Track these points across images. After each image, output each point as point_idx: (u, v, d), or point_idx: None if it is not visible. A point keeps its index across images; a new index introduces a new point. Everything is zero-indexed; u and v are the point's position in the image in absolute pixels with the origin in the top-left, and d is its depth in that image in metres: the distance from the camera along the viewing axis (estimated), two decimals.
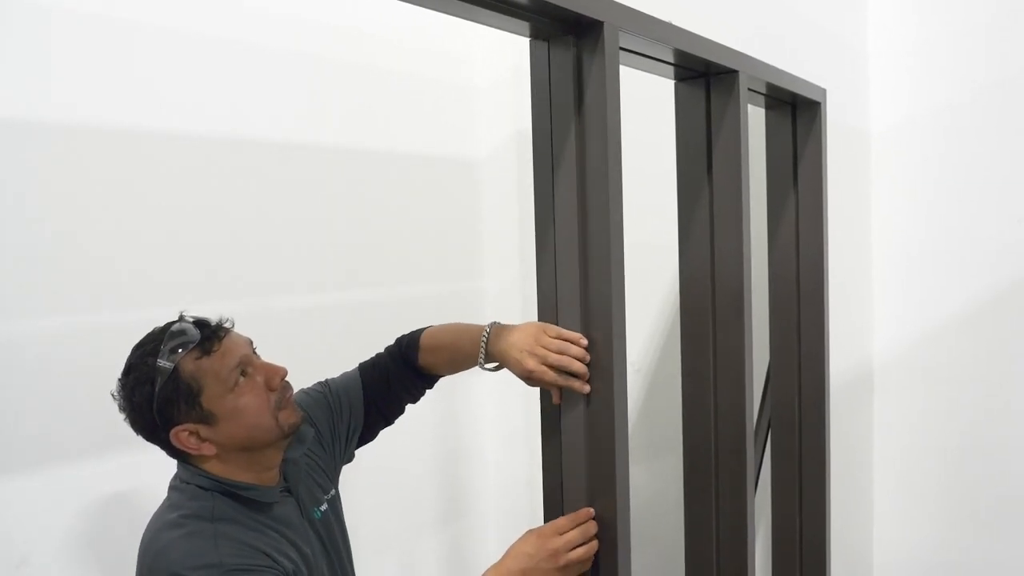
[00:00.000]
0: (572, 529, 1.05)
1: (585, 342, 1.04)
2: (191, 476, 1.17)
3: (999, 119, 1.91)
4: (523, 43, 1.07)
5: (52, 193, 1.55)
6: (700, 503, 1.37)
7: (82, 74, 1.58)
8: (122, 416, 1.14)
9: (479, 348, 1.22)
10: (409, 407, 1.46)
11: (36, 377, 1.52)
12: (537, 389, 1.14)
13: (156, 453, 1.64)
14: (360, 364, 1.43)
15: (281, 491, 1.23)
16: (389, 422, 1.46)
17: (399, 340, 1.42)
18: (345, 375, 1.43)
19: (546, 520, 1.09)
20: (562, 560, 1.04)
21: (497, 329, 1.21)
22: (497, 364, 1.21)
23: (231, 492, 1.15)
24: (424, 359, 1.37)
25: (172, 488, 1.19)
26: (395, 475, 2.18)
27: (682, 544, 1.39)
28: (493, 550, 2.66)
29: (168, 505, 1.17)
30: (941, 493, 2.04)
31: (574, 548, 1.04)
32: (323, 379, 1.43)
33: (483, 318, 1.27)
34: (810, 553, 1.68)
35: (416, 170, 2.28)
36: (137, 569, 1.13)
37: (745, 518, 1.34)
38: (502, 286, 2.47)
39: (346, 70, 2.07)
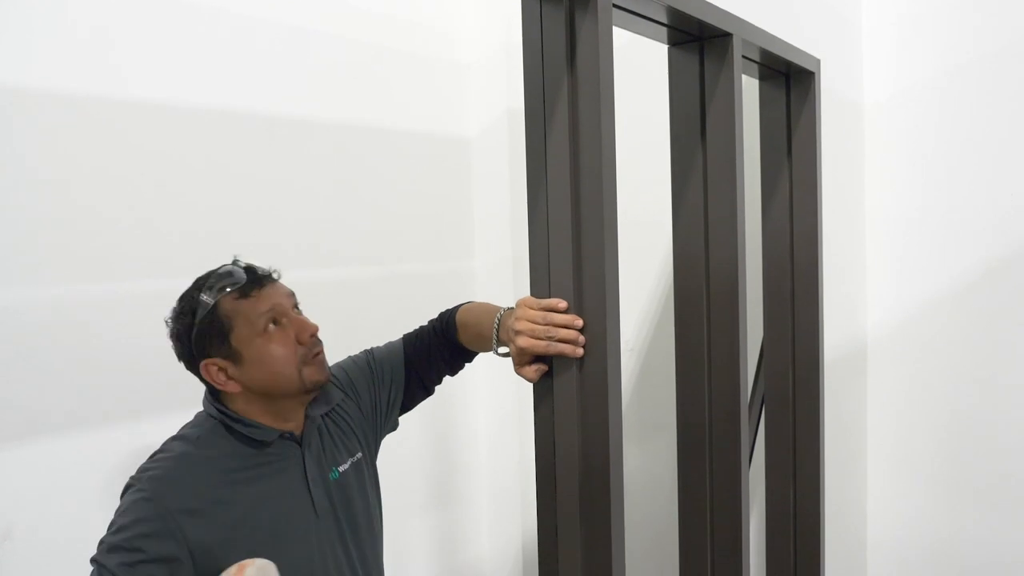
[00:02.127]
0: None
1: (564, 305, 1.02)
2: (208, 405, 1.24)
3: (993, 91, 1.89)
4: (515, 22, 1.03)
5: (54, 166, 1.53)
6: (694, 479, 1.35)
7: (86, 51, 1.55)
8: (169, 344, 1.23)
9: (492, 334, 1.26)
10: None
11: (23, 348, 1.49)
12: None
13: (145, 428, 1.63)
14: (404, 335, 1.49)
15: (285, 437, 1.26)
16: (429, 392, 1.50)
17: (441, 314, 1.47)
18: (389, 345, 1.49)
19: (538, 489, 1.07)
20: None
21: (505, 315, 1.25)
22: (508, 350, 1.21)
23: (228, 424, 1.22)
24: (459, 335, 1.41)
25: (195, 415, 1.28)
26: (386, 457, 2.16)
27: (676, 523, 1.38)
28: (485, 532, 2.65)
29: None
30: (935, 467, 2.03)
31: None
32: (368, 347, 1.49)
33: (474, 297, 1.26)
34: (804, 528, 1.67)
35: (407, 148, 2.25)
36: None
37: (739, 494, 1.32)
38: (494, 264, 2.45)
39: (336, 46, 2.04)
